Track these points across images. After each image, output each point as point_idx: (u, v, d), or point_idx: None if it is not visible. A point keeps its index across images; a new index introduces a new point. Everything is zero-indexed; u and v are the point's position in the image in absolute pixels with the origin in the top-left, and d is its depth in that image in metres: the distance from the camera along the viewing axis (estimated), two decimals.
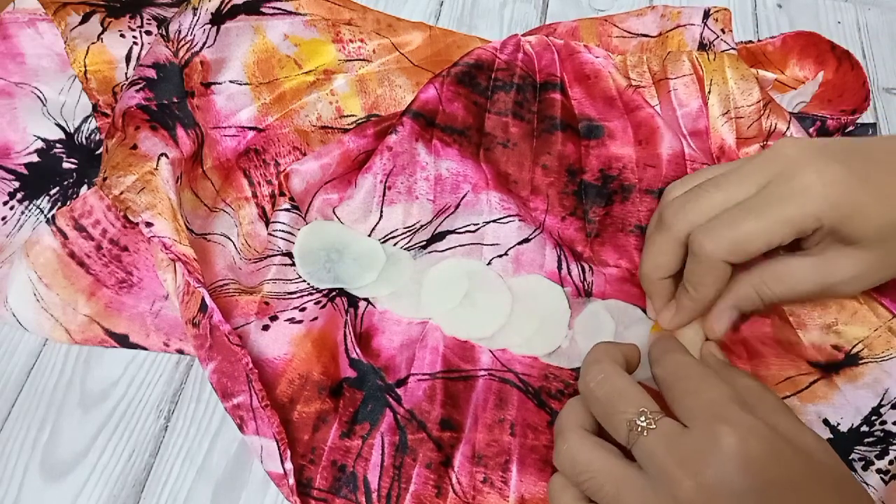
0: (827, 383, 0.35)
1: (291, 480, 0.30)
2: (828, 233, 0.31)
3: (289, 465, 0.30)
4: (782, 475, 0.25)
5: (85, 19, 0.43)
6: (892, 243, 0.31)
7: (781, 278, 0.32)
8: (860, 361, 0.35)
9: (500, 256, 0.38)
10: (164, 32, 0.41)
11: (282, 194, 0.39)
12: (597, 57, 0.42)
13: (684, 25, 0.44)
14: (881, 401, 0.34)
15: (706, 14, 0.44)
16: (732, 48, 0.43)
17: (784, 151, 0.32)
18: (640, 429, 0.27)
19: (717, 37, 0.43)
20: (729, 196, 0.32)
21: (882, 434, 0.33)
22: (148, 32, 0.44)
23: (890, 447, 0.33)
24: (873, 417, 0.34)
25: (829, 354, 0.35)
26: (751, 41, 0.46)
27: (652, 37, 0.45)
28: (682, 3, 0.49)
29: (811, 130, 0.42)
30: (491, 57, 0.41)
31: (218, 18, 0.42)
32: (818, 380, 0.35)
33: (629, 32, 0.45)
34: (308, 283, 0.37)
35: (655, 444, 0.26)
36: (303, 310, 0.36)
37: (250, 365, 0.31)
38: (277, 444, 0.30)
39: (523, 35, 0.43)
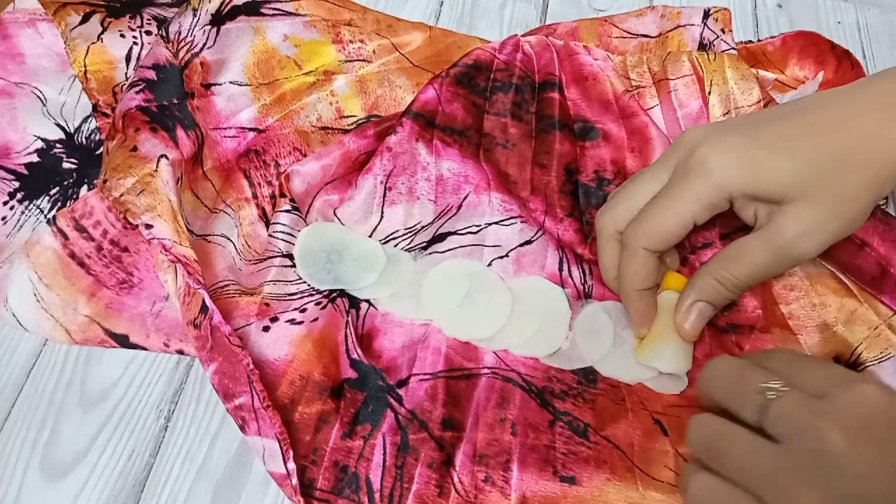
0: None
1: (294, 480, 0.30)
2: (748, 200, 0.32)
3: (291, 465, 0.30)
4: None
5: (85, 19, 0.43)
6: (825, 188, 0.31)
7: (735, 259, 0.32)
8: (858, 369, 0.35)
9: (501, 258, 0.38)
10: (163, 33, 0.41)
11: (282, 195, 0.39)
12: (596, 59, 0.42)
13: (684, 25, 0.44)
14: None
15: (706, 14, 0.44)
16: (732, 48, 0.43)
17: (687, 136, 0.33)
18: (772, 394, 0.26)
19: (717, 37, 0.43)
20: (644, 188, 0.34)
21: None
22: (148, 32, 0.44)
23: None
24: None
25: None
26: (751, 41, 0.46)
27: (652, 37, 0.45)
28: (682, 3, 0.49)
29: None
30: (490, 57, 0.41)
31: (218, 19, 0.42)
32: None
33: (629, 33, 0.45)
34: (308, 285, 0.37)
35: (792, 403, 0.25)
36: (303, 311, 0.36)
37: (251, 366, 0.31)
38: (280, 444, 0.30)
39: (523, 35, 0.43)
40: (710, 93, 0.41)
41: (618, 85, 0.42)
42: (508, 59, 0.41)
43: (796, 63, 0.46)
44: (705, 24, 0.43)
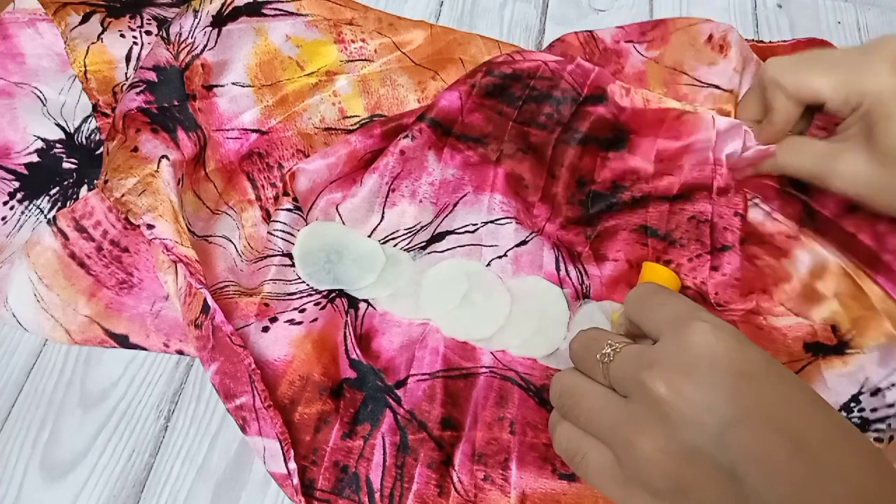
0: (814, 368, 0.35)
1: (295, 480, 0.30)
2: (861, 120, 0.34)
3: (292, 465, 0.30)
4: (751, 368, 0.25)
5: (85, 19, 0.43)
6: None
7: (795, 147, 0.36)
8: (847, 351, 0.35)
9: (500, 258, 0.38)
10: (164, 35, 0.41)
11: (285, 194, 0.39)
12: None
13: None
14: (861, 388, 0.34)
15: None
16: None
17: (888, 43, 0.35)
18: (608, 358, 0.27)
19: None
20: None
21: (859, 421, 0.34)
22: (148, 32, 0.44)
23: (865, 433, 0.33)
24: (852, 404, 0.34)
25: (826, 337, 0.36)
26: (762, 41, 0.46)
27: (724, 90, 0.42)
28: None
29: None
30: (535, 66, 0.39)
31: (219, 21, 0.42)
32: (808, 364, 0.35)
33: (700, 82, 0.42)
34: (307, 285, 0.37)
35: (622, 363, 0.27)
36: (302, 311, 0.36)
37: (252, 366, 0.31)
38: (281, 444, 0.30)
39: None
40: None
41: (678, 108, 0.39)
42: (557, 69, 0.39)
43: None
44: None
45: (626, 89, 0.40)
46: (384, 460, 0.32)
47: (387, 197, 0.39)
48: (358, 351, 0.35)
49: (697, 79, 0.42)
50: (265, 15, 0.43)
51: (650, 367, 0.25)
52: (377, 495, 0.31)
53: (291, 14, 0.44)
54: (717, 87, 0.42)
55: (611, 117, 0.39)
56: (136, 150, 0.36)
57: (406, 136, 0.39)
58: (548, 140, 0.39)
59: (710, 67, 0.42)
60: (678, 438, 0.24)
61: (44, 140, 0.41)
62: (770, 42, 0.46)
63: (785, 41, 0.45)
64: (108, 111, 0.42)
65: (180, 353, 0.36)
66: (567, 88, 0.39)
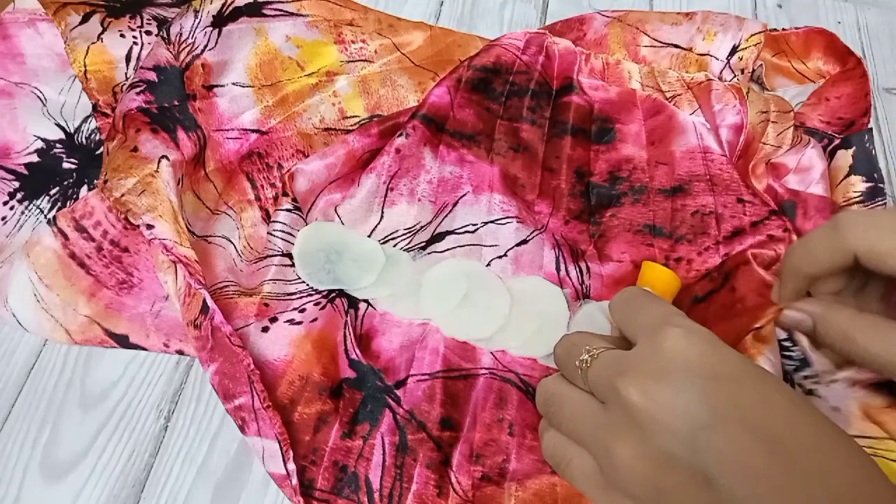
0: None
1: (294, 481, 0.30)
2: None
3: (291, 466, 0.30)
4: (725, 371, 0.25)
5: (85, 19, 0.43)
6: None
7: (882, 333, 0.29)
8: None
9: (500, 257, 0.38)
10: (164, 35, 0.41)
11: (285, 194, 0.39)
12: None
13: (710, 55, 0.43)
14: None
15: (734, 50, 0.43)
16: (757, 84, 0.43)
17: None
18: (585, 364, 0.27)
19: (735, 76, 0.43)
20: None
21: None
22: (148, 32, 0.44)
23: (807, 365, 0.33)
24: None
25: None
26: (775, 29, 0.46)
27: (682, 48, 0.43)
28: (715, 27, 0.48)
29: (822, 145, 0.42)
30: (511, 59, 0.41)
31: (219, 21, 0.42)
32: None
33: (659, 42, 0.44)
34: (307, 285, 0.37)
35: (599, 369, 0.27)
36: (302, 311, 0.36)
37: (252, 366, 0.31)
38: (280, 444, 0.30)
39: (551, 36, 0.42)
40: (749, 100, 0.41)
41: (647, 89, 0.41)
42: (530, 62, 0.41)
43: (820, 57, 0.46)
44: (728, 61, 0.43)
45: (587, 55, 0.42)
46: (383, 460, 0.32)
47: (385, 196, 0.39)
48: (358, 351, 0.35)
49: (657, 39, 0.43)
50: (265, 15, 0.43)
51: (624, 374, 0.25)
52: (376, 495, 0.31)
53: (292, 14, 0.44)
54: (675, 45, 0.43)
55: (586, 105, 0.40)
56: (136, 150, 0.36)
57: (401, 135, 0.39)
58: (539, 135, 0.40)
59: (673, 27, 0.44)
60: (653, 445, 0.24)
61: (44, 140, 0.41)
62: (783, 30, 0.46)
63: (798, 28, 0.45)
64: (108, 111, 0.42)
65: (180, 353, 0.36)
66: (542, 82, 0.41)
